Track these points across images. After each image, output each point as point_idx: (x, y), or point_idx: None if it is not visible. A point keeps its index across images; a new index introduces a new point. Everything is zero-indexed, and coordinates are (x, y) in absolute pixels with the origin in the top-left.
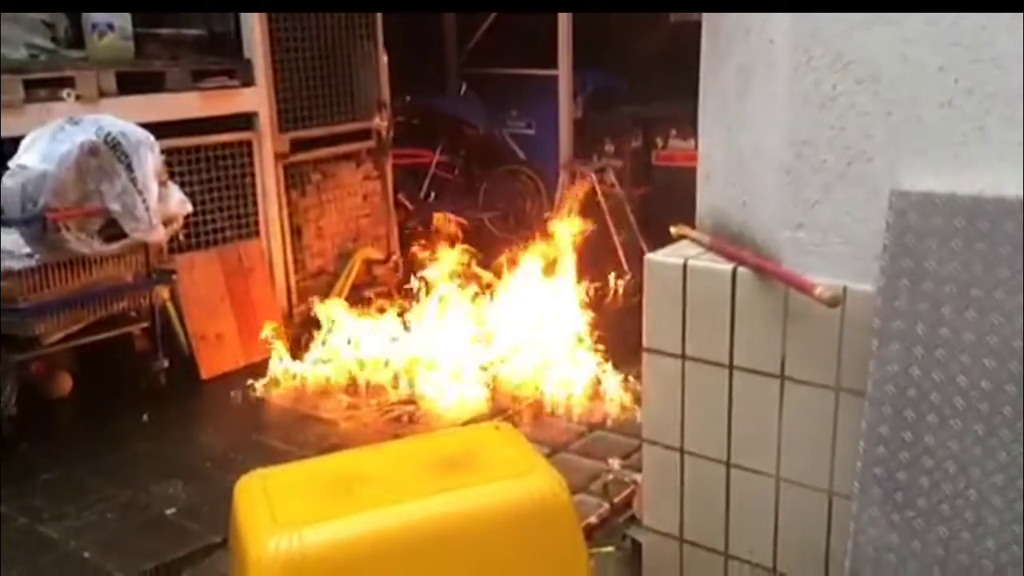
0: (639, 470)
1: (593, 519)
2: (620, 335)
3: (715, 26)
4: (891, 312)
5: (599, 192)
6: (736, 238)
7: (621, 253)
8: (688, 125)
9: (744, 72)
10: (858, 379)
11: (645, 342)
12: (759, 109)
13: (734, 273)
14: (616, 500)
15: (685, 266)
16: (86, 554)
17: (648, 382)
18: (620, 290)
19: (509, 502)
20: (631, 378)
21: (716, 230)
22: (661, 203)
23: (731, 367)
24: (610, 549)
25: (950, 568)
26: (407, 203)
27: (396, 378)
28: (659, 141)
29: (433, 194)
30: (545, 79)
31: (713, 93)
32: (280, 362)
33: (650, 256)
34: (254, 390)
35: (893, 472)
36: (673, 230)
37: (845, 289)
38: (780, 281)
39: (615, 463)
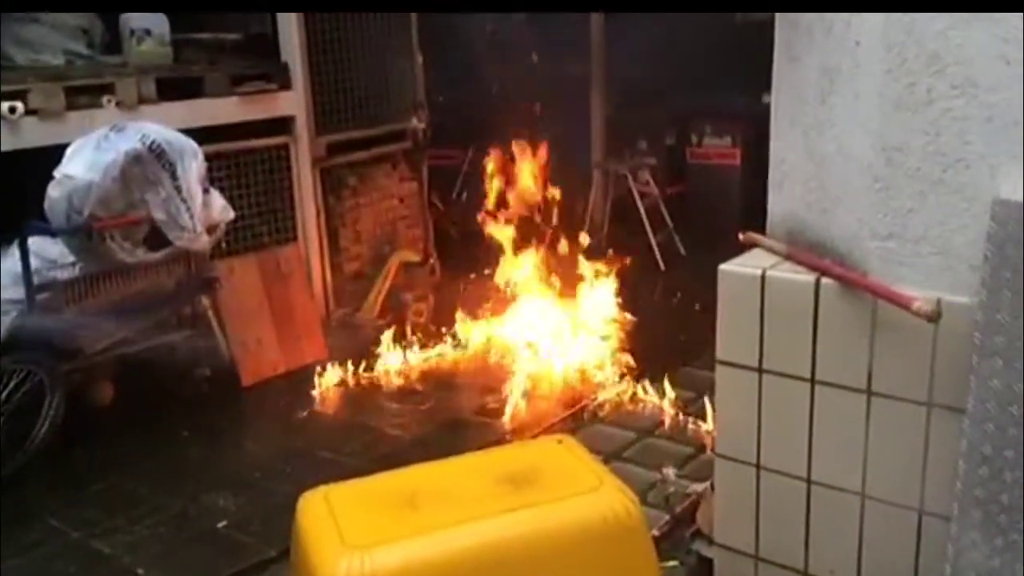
0: (696, 479)
1: (655, 532)
2: (661, 338)
3: (792, 23)
4: (992, 326)
5: (635, 191)
6: (814, 247)
7: (658, 253)
8: (724, 121)
9: (827, 73)
10: (952, 395)
11: (719, 354)
12: (844, 112)
13: (817, 284)
14: (677, 511)
15: (763, 277)
16: (140, 570)
17: (722, 395)
18: (657, 292)
19: (582, 520)
20: (675, 384)
21: (791, 238)
22: (696, 201)
23: (813, 381)
24: (674, 563)
25: None
26: (438, 204)
27: (441, 386)
28: (693, 138)
29: (465, 194)
30: (577, 76)
31: (789, 94)
32: (323, 368)
33: (724, 267)
34: (297, 397)
35: (996, 494)
36: (742, 237)
37: (939, 301)
38: (870, 294)
39: (670, 472)
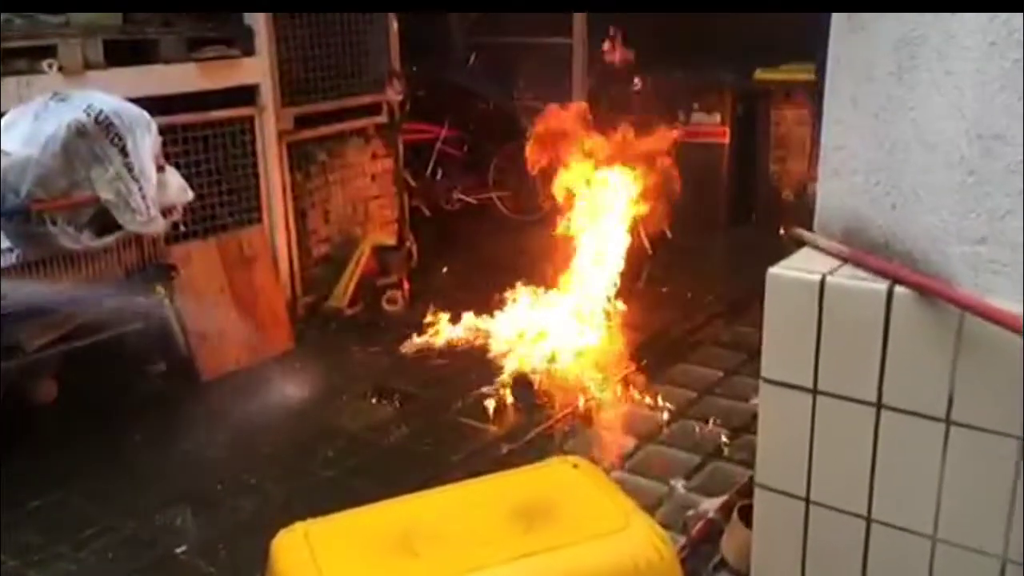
0: (707, 493)
1: None
2: (653, 330)
3: None
4: None
5: None
6: (877, 248)
7: (644, 236)
8: (712, 98)
9: (907, 46)
10: None
11: (764, 372)
12: (929, 92)
13: (890, 293)
14: (694, 534)
15: (823, 283)
16: None
17: (767, 418)
18: (644, 278)
19: (610, 567)
20: (674, 382)
21: (848, 237)
22: (682, 181)
23: (879, 406)
24: None
25: None
26: (411, 181)
27: (420, 384)
28: (680, 115)
29: (440, 171)
30: (558, 48)
31: (851, 69)
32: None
33: (774, 271)
34: (262, 394)
35: None
36: (784, 232)
37: None
38: (961, 308)
39: (679, 485)
